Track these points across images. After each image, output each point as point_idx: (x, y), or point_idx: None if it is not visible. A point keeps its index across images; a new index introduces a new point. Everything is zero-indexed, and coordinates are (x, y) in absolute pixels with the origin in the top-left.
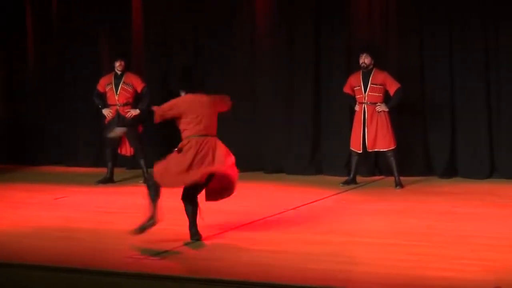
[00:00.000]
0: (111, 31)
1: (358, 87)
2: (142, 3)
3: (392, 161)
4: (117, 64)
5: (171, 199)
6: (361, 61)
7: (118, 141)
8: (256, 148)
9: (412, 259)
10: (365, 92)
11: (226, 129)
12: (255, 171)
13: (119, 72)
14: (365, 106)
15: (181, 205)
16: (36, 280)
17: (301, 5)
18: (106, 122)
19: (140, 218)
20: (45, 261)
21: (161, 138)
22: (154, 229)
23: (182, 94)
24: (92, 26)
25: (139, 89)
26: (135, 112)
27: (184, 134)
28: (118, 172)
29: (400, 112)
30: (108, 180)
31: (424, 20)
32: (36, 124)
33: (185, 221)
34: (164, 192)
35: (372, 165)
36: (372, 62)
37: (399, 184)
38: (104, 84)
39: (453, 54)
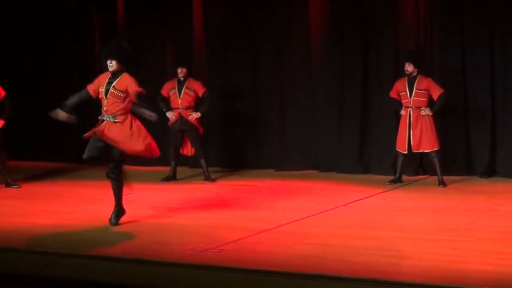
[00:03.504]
0: (174, 37)
1: (404, 92)
2: (203, 13)
3: (436, 162)
4: (179, 70)
5: (231, 195)
6: (405, 68)
7: (181, 142)
8: (311, 149)
9: (456, 253)
10: (410, 97)
11: (285, 131)
12: (310, 169)
13: (181, 78)
14: (411, 110)
15: (242, 200)
16: (104, 270)
17: (351, 17)
18: (169, 124)
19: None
20: (113, 252)
21: (221, 139)
22: (214, 223)
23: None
24: (156, 32)
25: (200, 94)
26: (196, 115)
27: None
28: (181, 170)
29: (444, 115)
30: (171, 178)
31: (466, 30)
32: None
33: (244, 216)
34: (224, 188)
35: (417, 165)
36: (416, 69)
37: (442, 183)
38: (168, 89)
39: (493, 59)
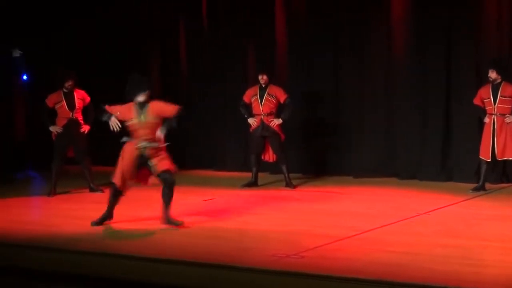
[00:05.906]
0: (256, 44)
1: (488, 99)
2: (286, 20)
3: None
4: (260, 77)
5: (312, 201)
6: (488, 75)
7: (262, 148)
8: (391, 156)
9: None
10: (494, 103)
11: (365, 138)
12: (390, 177)
13: (263, 85)
14: (495, 117)
15: (324, 207)
16: (184, 275)
17: (433, 25)
18: (251, 130)
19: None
20: (194, 257)
21: (302, 145)
22: (296, 230)
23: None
24: (239, 38)
25: (282, 100)
26: (278, 121)
27: None
28: (262, 176)
29: None
30: (253, 183)
31: None
32: (188, 132)
33: (325, 222)
34: (305, 195)
35: (500, 173)
36: (499, 76)
37: None
38: (250, 95)
39: None
